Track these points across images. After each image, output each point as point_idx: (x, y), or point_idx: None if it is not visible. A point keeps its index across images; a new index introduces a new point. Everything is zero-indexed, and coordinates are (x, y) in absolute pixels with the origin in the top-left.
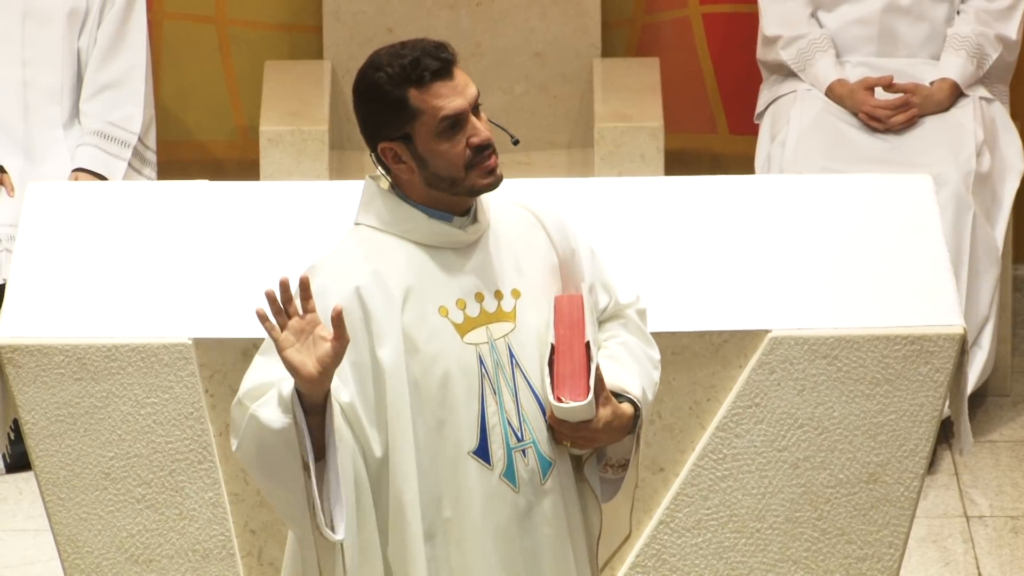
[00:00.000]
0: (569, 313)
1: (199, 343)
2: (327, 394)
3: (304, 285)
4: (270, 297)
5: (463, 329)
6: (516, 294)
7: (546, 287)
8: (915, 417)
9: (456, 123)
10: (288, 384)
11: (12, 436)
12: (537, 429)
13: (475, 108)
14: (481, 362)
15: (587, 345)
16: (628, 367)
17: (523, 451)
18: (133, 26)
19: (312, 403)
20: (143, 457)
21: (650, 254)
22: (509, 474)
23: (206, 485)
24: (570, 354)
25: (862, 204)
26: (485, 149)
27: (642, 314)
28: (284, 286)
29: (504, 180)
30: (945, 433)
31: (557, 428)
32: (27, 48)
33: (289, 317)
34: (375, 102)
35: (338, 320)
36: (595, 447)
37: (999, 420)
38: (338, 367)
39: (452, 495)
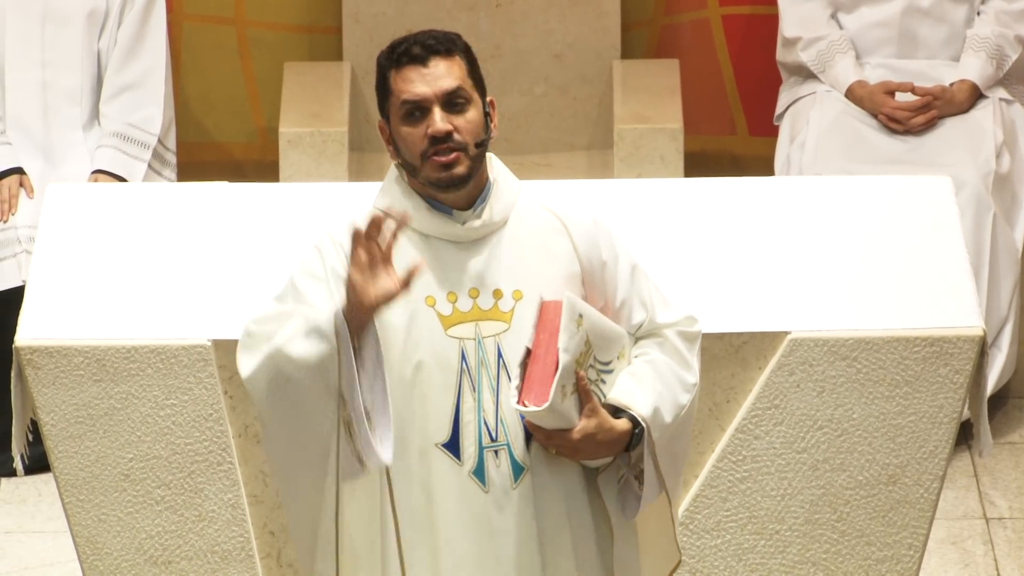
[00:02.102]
0: (552, 320)
1: (218, 344)
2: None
3: (401, 222)
4: (368, 226)
5: (449, 321)
6: (517, 296)
7: (558, 294)
8: (934, 419)
9: (416, 109)
10: (324, 313)
11: (31, 437)
12: (514, 432)
13: (451, 102)
14: (463, 357)
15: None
16: (646, 385)
17: (495, 452)
18: (152, 27)
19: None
20: (162, 459)
21: (670, 256)
22: (479, 472)
23: (225, 487)
24: (544, 360)
25: (881, 205)
26: (440, 142)
27: (687, 336)
28: (377, 222)
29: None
30: (965, 435)
31: (533, 432)
32: (47, 50)
33: (375, 246)
34: (376, 78)
35: (412, 275)
36: (582, 458)
37: (1019, 422)
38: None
39: (422, 485)
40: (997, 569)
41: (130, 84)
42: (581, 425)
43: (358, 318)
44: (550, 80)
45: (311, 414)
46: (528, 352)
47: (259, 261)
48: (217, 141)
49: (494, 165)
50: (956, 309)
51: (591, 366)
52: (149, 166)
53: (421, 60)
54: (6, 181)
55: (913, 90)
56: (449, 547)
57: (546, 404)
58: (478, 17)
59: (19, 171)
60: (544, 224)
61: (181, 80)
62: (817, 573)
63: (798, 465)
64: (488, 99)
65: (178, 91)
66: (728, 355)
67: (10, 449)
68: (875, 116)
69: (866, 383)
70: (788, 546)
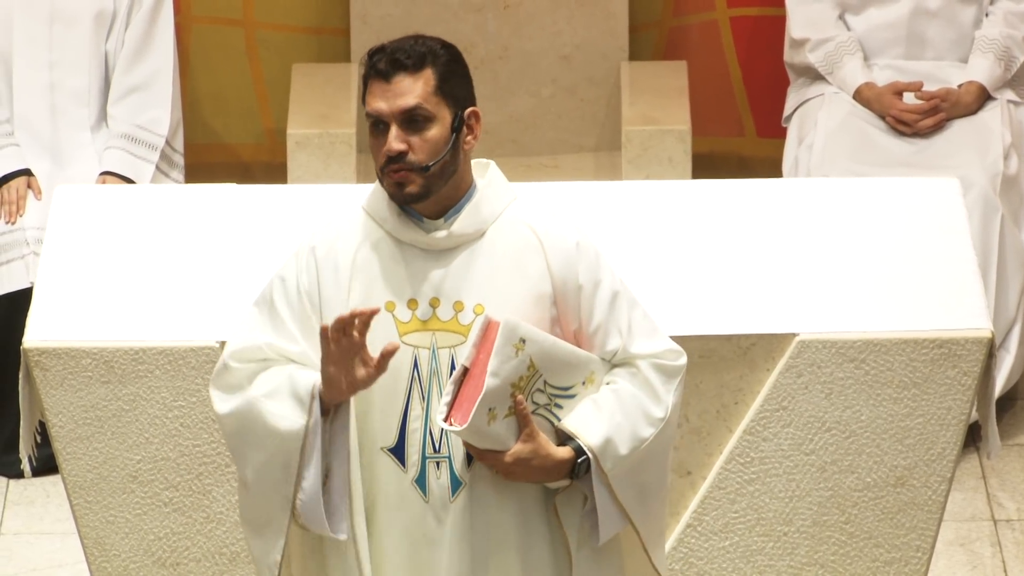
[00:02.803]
0: (492, 340)
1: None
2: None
3: (367, 316)
4: (335, 325)
5: (405, 328)
6: (479, 310)
7: (524, 313)
8: (943, 421)
9: (377, 123)
10: (305, 380)
11: (39, 439)
12: (456, 446)
13: (410, 119)
14: (416, 365)
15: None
16: (603, 415)
17: (437, 463)
18: (160, 29)
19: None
20: (170, 460)
21: (677, 257)
22: (421, 481)
23: (233, 488)
24: (478, 380)
25: (890, 207)
26: (393, 160)
27: (664, 369)
28: (341, 322)
29: (412, 192)
30: (973, 437)
31: (468, 449)
32: (54, 51)
33: (345, 336)
34: None
35: (385, 359)
36: (517, 480)
37: None
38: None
39: (368, 487)
40: (1005, 571)
41: (137, 86)
42: (515, 449)
43: (334, 400)
44: (558, 82)
45: (274, 468)
46: (465, 370)
47: (267, 263)
48: (225, 143)
49: (488, 174)
50: (964, 311)
51: (539, 390)
52: (157, 168)
53: (384, 76)
54: (14, 183)
55: (920, 92)
56: (386, 552)
57: (464, 426)
58: (485, 18)
59: (27, 172)
60: (521, 241)
61: (189, 82)
62: (825, 575)
63: (806, 467)
64: (469, 110)
65: (186, 93)
66: (736, 357)
67: (18, 451)
68: (883, 118)
69: (874, 385)
70: (796, 548)
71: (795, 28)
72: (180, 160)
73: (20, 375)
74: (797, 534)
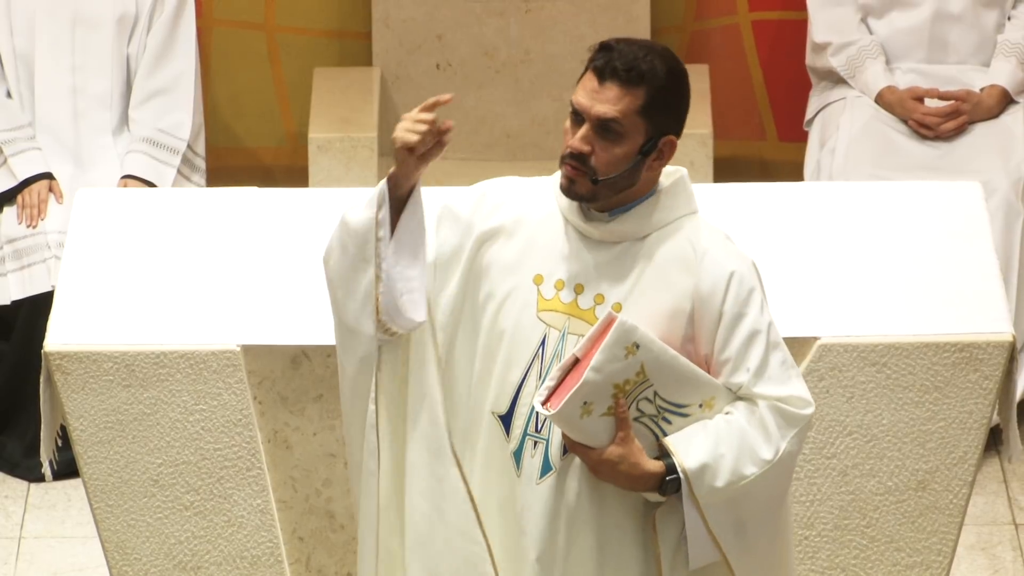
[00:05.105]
0: (605, 335)
1: (248, 350)
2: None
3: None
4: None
5: (545, 305)
6: (617, 308)
7: (657, 322)
8: (964, 424)
9: (575, 114)
10: (379, 185)
11: (60, 443)
12: (557, 431)
13: (604, 127)
14: (543, 343)
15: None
16: (708, 440)
17: (535, 443)
18: (182, 32)
19: (398, 196)
20: (191, 464)
21: None
22: (518, 455)
23: (254, 492)
24: (583, 372)
25: (912, 211)
26: (567, 157)
27: (785, 414)
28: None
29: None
30: (994, 440)
31: (563, 438)
32: (77, 54)
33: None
34: None
35: (445, 131)
36: (602, 479)
37: None
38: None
39: (471, 446)
40: None
41: (160, 89)
42: (608, 450)
43: (402, 171)
44: None
45: (351, 278)
46: (576, 360)
47: (289, 267)
48: (247, 146)
49: (674, 182)
50: (986, 315)
51: (647, 399)
52: (178, 171)
53: (600, 75)
54: (35, 186)
55: (939, 95)
56: (485, 514)
57: (553, 411)
58: (508, 22)
59: (48, 176)
60: (680, 254)
61: (211, 85)
62: None
63: (827, 471)
64: (666, 139)
65: (208, 96)
66: None
67: (39, 455)
68: (905, 122)
69: (896, 389)
70: (817, 552)
71: (817, 32)
72: (202, 164)
73: (41, 379)
74: (818, 538)
